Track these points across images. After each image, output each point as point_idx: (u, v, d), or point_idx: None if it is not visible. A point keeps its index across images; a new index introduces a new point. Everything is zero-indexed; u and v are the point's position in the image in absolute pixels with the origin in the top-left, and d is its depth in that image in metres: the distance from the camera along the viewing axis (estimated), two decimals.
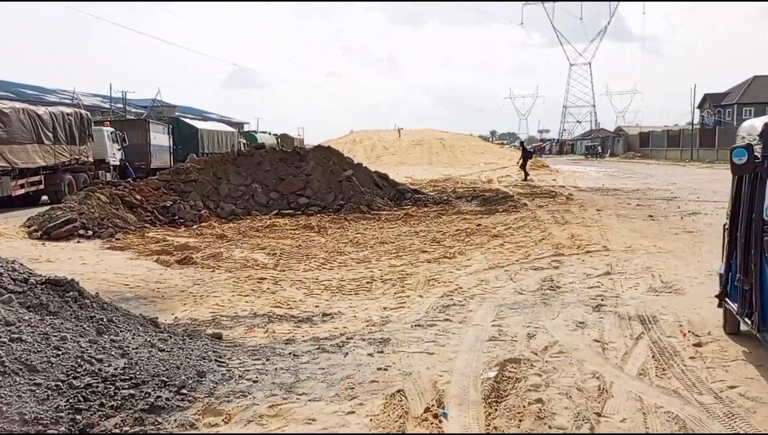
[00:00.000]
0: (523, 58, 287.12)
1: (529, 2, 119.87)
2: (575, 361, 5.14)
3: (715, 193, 21.79)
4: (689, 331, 5.88)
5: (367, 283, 8.61)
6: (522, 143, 37.35)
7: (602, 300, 7.15)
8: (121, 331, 5.37)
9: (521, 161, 31.00)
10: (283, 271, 9.63)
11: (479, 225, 13.62)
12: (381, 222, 14.85)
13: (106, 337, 5.15)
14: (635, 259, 9.66)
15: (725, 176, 34.26)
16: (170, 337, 5.69)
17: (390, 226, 14.28)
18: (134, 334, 5.41)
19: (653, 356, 5.23)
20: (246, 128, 74.20)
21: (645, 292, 7.56)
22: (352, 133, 64.66)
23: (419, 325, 6.31)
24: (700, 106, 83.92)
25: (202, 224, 15.13)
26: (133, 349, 5.05)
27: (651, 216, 15.06)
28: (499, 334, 5.92)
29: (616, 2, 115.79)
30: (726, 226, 6.05)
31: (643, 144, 75.68)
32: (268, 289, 8.42)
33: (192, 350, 5.39)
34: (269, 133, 65.99)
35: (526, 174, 30.13)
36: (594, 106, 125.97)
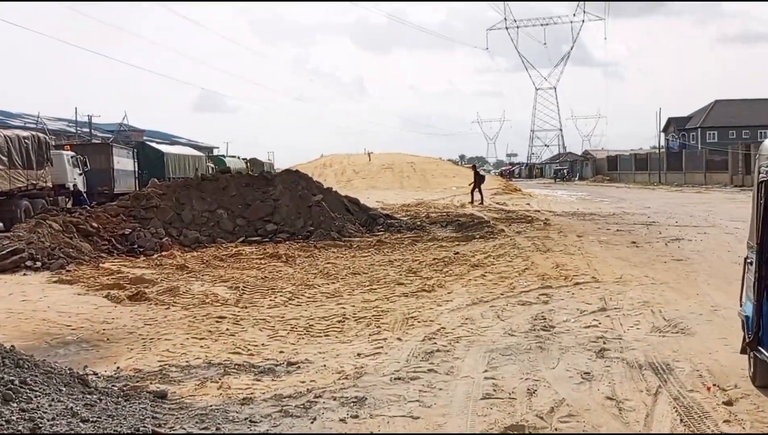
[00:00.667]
0: (489, 83, 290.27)
1: (494, 29, 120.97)
2: (590, 427, 4.25)
3: (693, 218, 21.29)
4: (713, 384, 5.03)
5: (339, 322, 7.66)
6: (474, 166, 33.81)
7: (604, 343, 6.28)
8: (36, 396, 4.33)
9: (472, 185, 29.94)
10: (246, 307, 8.64)
11: (457, 253, 12.76)
12: (353, 250, 13.91)
13: (14, 405, 4.11)
14: (629, 291, 8.86)
15: (697, 199, 34.31)
16: (100, 399, 4.68)
17: (362, 254, 13.35)
18: (53, 400, 4.38)
19: (680, 419, 4.36)
20: (215, 153, 72.88)
21: (649, 333, 6.72)
22: (323, 157, 63.71)
23: (400, 378, 5.38)
24: (665, 130, 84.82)
25: (163, 253, 14.03)
26: (47, 420, 4.03)
27: (634, 242, 14.36)
28: (494, 390, 5.00)
29: (579, 24, 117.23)
30: (748, 260, 5.24)
31: (611, 167, 76.06)
32: (228, 330, 7.43)
33: (125, 418, 4.38)
34: (238, 157, 64.77)
35: (473, 198, 29.21)
36: (561, 130, 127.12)
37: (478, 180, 30.15)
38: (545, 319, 7.34)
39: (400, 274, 10.67)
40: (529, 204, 29.85)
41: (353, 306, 8.47)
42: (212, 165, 49.27)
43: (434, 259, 12.07)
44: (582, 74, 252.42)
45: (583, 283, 9.42)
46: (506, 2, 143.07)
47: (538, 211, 25.40)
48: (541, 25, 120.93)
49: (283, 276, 11.06)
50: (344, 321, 7.68)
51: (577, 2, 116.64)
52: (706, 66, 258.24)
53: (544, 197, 37.07)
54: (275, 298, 9.24)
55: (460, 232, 17.53)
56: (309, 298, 9.19)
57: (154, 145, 39.97)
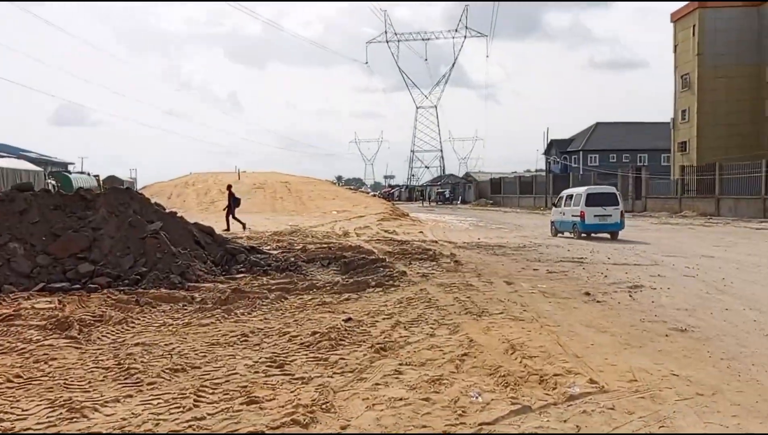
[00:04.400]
0: (368, 103, 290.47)
1: (374, 41, 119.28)
2: None
3: (619, 251, 18.32)
4: None
5: None
6: (229, 187, 27.46)
7: None
8: None
9: (226, 210, 25.83)
10: None
11: (349, 319, 8.48)
12: (190, 313, 9.28)
13: None
14: (677, 417, 4.98)
15: None
16: None
17: (204, 319, 8.79)
18: None
19: None
20: (71, 169, 64.91)
21: None
22: (187, 175, 57.70)
23: None
24: (547, 152, 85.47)
25: None
26: None
27: (588, 294, 10.72)
28: None
29: (461, 41, 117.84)
30: None
31: (494, 190, 75.05)
32: None
33: None
34: (88, 174, 57.54)
35: (228, 224, 25.32)
36: (441, 151, 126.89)
37: (233, 203, 25.95)
38: None
39: (256, 371, 6.25)
40: (422, 232, 26.21)
41: None
42: (53, 182, 42.78)
43: (314, 332, 7.71)
44: (460, 95, 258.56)
45: (582, 398, 5.43)
46: (386, 14, 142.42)
47: (436, 241, 21.73)
48: (422, 39, 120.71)
49: (49, 373, 6.35)
50: None
51: (460, 17, 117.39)
52: (580, 90, 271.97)
53: (435, 223, 33.74)
54: None
55: (348, 274, 13.36)
56: None
57: None
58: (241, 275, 13.33)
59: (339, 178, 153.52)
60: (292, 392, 5.61)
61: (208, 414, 5.08)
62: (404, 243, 20.38)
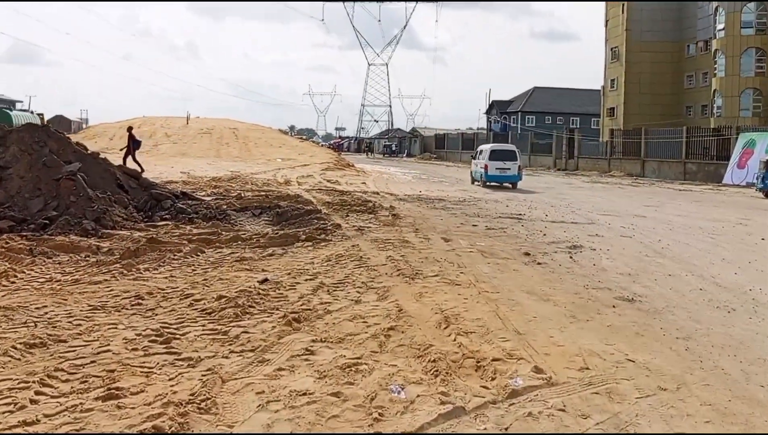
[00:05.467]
0: (323, 58, 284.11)
1: (330, 0, 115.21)
2: None
3: (555, 208, 17.29)
4: None
5: None
6: (130, 129, 23.79)
7: None
8: None
9: (125, 150, 22.73)
10: None
11: (265, 280, 7.03)
12: (85, 266, 7.68)
13: None
14: (641, 425, 3.76)
15: (536, 183, 31.13)
16: None
17: (100, 275, 7.22)
18: None
19: None
20: (18, 107, 60.45)
21: None
22: (137, 118, 54.34)
23: None
24: (488, 112, 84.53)
25: None
26: None
27: (528, 254, 9.52)
28: None
29: (413, 5, 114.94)
30: None
31: (438, 146, 73.80)
32: None
33: None
34: (32, 112, 53.55)
35: (126, 163, 22.51)
36: (390, 106, 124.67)
37: (133, 145, 22.99)
38: None
39: (135, 348, 4.78)
40: (365, 183, 24.74)
41: None
42: None
43: (221, 296, 6.25)
44: (410, 56, 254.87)
45: (527, 393, 4.15)
46: None
47: (377, 193, 20.33)
48: (377, 1, 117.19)
49: None
50: None
51: None
52: (520, 57, 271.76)
53: (379, 175, 32.27)
54: None
55: (279, 225, 11.86)
56: None
57: None
58: (164, 223, 11.69)
59: (292, 128, 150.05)
60: (169, 380, 4.17)
61: (45, 416, 3.60)
62: (345, 193, 18.92)
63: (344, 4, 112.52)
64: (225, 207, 14.02)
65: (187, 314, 5.72)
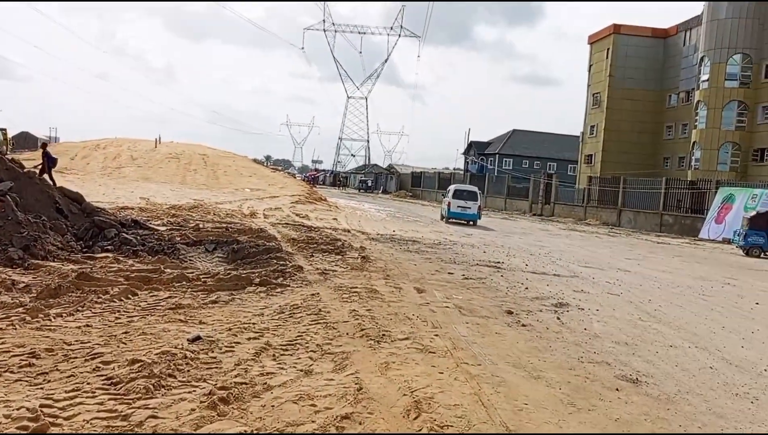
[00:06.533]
0: (303, 89, 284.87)
1: (311, 29, 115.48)
2: None
3: (534, 256, 16.32)
4: None
5: None
6: (44, 146, 23.41)
7: None
8: None
9: (39, 168, 21.09)
10: None
11: (197, 339, 5.80)
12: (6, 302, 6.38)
13: None
14: None
15: (513, 227, 30.30)
16: None
17: (8, 315, 5.93)
18: None
19: None
20: None
21: None
22: (104, 139, 52.65)
23: None
24: (466, 152, 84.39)
25: None
26: None
27: (510, 312, 8.42)
28: None
29: (395, 39, 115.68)
30: None
31: (414, 183, 73.16)
32: None
33: None
34: None
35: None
36: (368, 141, 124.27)
37: (48, 163, 21.86)
38: None
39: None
40: (336, 219, 23.59)
41: None
42: None
43: (135, 359, 5.01)
44: (391, 92, 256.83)
45: None
46: (326, 2, 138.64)
47: (348, 230, 19.18)
48: (359, 32, 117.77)
49: None
50: None
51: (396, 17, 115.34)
52: (501, 99, 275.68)
53: (352, 211, 31.18)
54: None
55: (234, 263, 10.65)
56: None
57: None
58: (104, 255, 10.40)
59: (268, 158, 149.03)
60: None
61: None
62: (313, 230, 17.75)
63: (325, 34, 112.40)
64: (179, 239, 12.78)
65: (87, 383, 4.48)
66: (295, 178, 54.67)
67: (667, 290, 12.18)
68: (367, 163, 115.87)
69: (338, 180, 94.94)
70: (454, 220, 28.39)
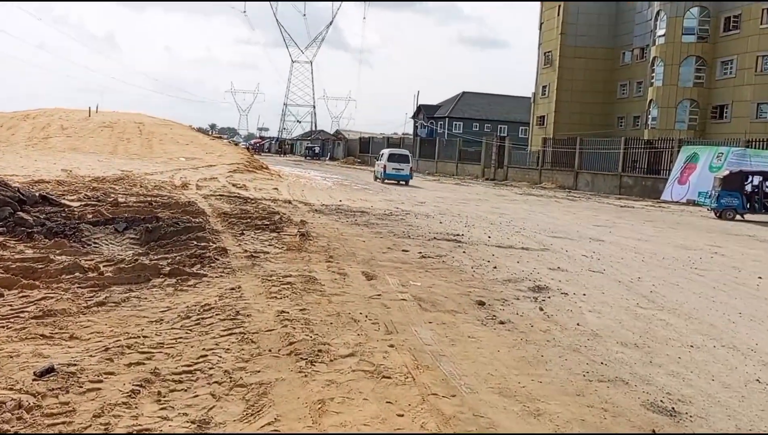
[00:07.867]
0: (247, 55, 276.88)
1: None
2: None
3: (495, 226, 14.87)
4: None
5: None
6: None
7: None
8: None
9: None
10: None
11: (48, 371, 4.01)
12: None
13: None
14: None
15: (467, 194, 28.85)
16: None
17: None
18: None
19: None
20: None
21: None
22: (36, 109, 48.89)
23: None
24: (415, 116, 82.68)
25: None
26: None
27: (483, 303, 6.84)
28: None
29: (339, 2, 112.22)
30: None
31: (363, 149, 71.30)
32: None
33: None
34: None
35: None
36: (314, 107, 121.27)
37: None
38: None
39: None
40: (277, 189, 21.69)
41: None
42: None
43: None
44: (336, 57, 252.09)
45: None
46: None
47: (290, 201, 17.37)
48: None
49: None
50: None
51: None
52: (451, 62, 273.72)
53: (296, 179, 29.26)
54: None
55: (147, 245, 8.78)
56: None
57: None
58: None
59: (213, 127, 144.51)
60: None
61: None
62: (249, 202, 15.86)
63: None
64: (90, 217, 10.80)
65: None
66: (237, 146, 52.03)
67: (653, 264, 10.82)
68: (313, 129, 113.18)
69: (283, 147, 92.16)
70: (388, 181, 31.75)
